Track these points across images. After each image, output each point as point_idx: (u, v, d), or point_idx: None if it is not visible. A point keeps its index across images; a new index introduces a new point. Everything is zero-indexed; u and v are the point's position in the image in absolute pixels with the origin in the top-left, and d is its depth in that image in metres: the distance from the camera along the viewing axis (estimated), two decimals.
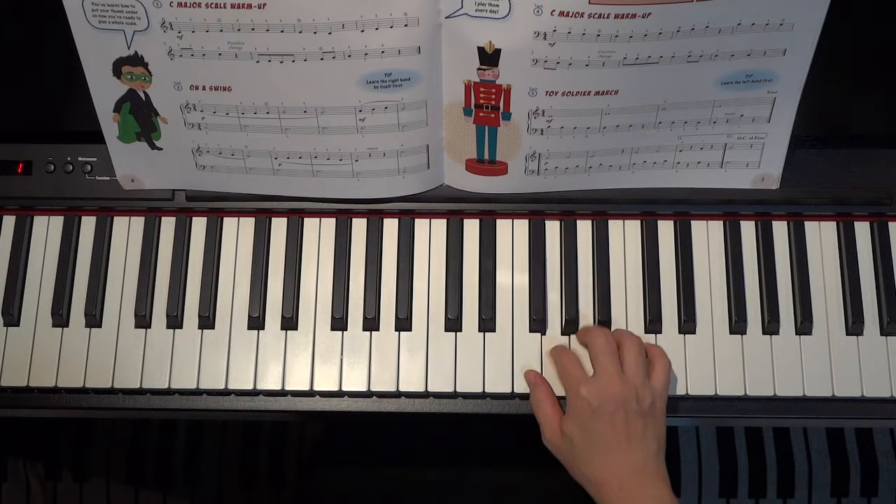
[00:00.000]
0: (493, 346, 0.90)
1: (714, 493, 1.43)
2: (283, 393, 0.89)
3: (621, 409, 0.80)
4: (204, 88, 0.84)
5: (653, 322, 0.90)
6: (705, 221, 0.94)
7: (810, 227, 0.93)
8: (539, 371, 0.88)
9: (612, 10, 0.76)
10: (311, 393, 0.89)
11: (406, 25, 0.79)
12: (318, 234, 0.93)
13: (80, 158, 0.93)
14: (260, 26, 0.79)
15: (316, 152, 0.88)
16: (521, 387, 0.88)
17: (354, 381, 0.89)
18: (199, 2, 0.78)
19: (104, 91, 0.85)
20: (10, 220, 0.94)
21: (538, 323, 0.90)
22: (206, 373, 0.89)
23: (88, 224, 0.93)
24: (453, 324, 0.90)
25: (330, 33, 0.79)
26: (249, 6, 0.78)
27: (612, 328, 0.90)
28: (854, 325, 0.90)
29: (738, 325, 0.90)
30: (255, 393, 0.89)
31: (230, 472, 1.43)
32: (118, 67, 0.83)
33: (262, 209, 0.93)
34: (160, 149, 0.89)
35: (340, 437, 1.09)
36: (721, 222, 0.93)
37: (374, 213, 0.93)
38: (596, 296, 0.91)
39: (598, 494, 0.80)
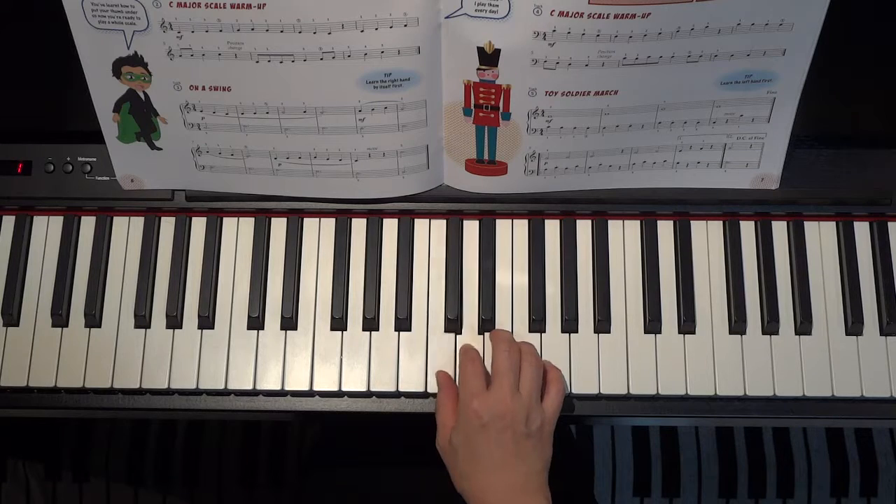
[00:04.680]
0: None
1: (714, 493, 1.43)
2: (282, 393, 0.89)
3: (509, 429, 0.79)
4: (203, 88, 0.84)
5: (652, 322, 0.90)
6: (705, 221, 0.94)
7: (810, 228, 0.93)
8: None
9: (612, 10, 0.76)
10: (310, 393, 0.89)
11: (406, 25, 0.79)
12: (318, 234, 0.93)
13: (79, 158, 0.93)
14: (260, 26, 0.79)
15: (316, 152, 0.88)
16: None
17: (354, 382, 0.89)
18: (198, 2, 0.78)
19: (104, 91, 0.85)
20: (9, 220, 0.94)
21: (538, 323, 0.90)
22: (206, 373, 0.89)
23: (88, 224, 0.93)
24: (453, 324, 0.90)
25: (330, 33, 0.79)
26: (249, 6, 0.78)
27: (612, 329, 0.90)
28: (854, 325, 0.90)
29: (737, 325, 0.90)
30: (254, 393, 0.89)
31: (230, 472, 1.43)
32: (118, 67, 0.83)
33: (261, 209, 0.93)
34: (160, 149, 0.89)
35: (340, 437, 1.09)
36: (721, 222, 0.93)
37: (374, 213, 0.93)
38: (596, 296, 0.91)
39: None
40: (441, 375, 0.87)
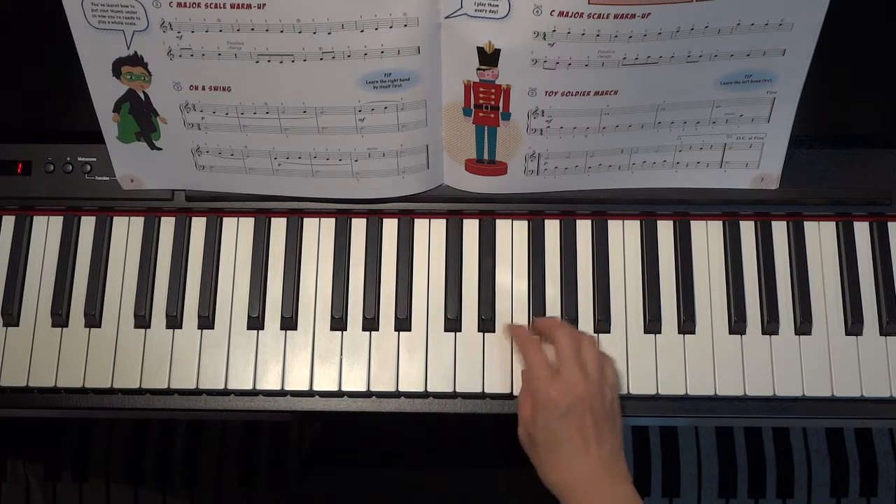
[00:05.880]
0: (493, 347, 0.90)
1: (713, 493, 1.43)
2: (282, 393, 0.89)
3: (588, 412, 0.79)
4: (203, 88, 0.84)
5: (652, 322, 0.90)
6: (705, 221, 0.94)
7: (809, 228, 0.93)
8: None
9: (612, 10, 0.76)
10: (310, 393, 0.89)
11: (406, 25, 0.79)
12: (318, 234, 0.93)
13: (79, 158, 0.93)
14: (259, 26, 0.79)
15: (315, 152, 0.88)
16: (520, 387, 0.88)
17: (354, 381, 0.89)
18: (198, 2, 0.78)
19: (104, 91, 0.85)
20: (9, 220, 0.94)
21: None
22: (206, 373, 0.89)
23: (88, 224, 0.93)
24: (453, 324, 0.90)
25: (329, 33, 0.79)
26: (249, 6, 0.78)
27: (611, 329, 0.90)
28: (853, 325, 0.90)
29: (737, 325, 0.90)
30: (254, 393, 0.89)
31: (230, 472, 1.43)
32: (118, 67, 0.83)
33: (261, 209, 0.93)
34: (160, 149, 0.89)
35: (340, 437, 1.09)
36: (720, 222, 0.93)
37: (374, 213, 0.93)
38: (595, 296, 0.91)
39: (565, 499, 0.79)
40: (525, 372, 0.87)
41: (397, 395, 0.89)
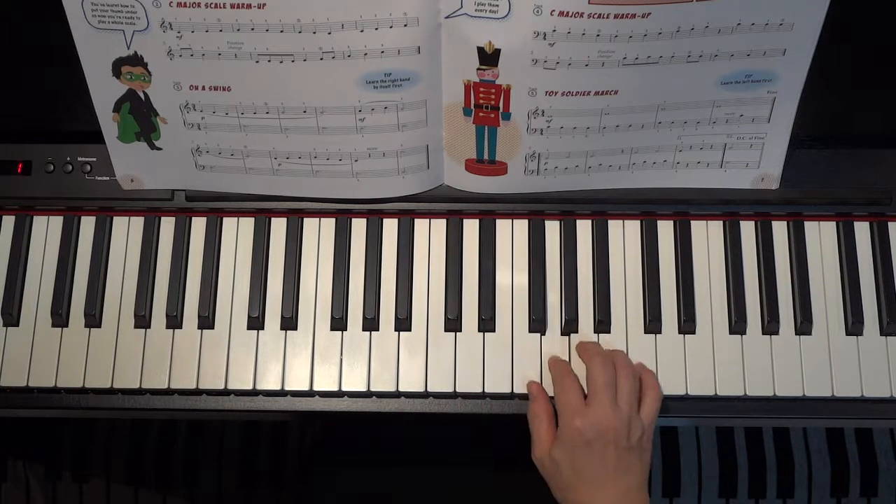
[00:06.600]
0: (493, 347, 0.90)
1: (714, 493, 1.43)
2: (282, 393, 0.89)
3: (612, 445, 0.80)
4: (203, 88, 0.84)
5: (652, 322, 0.90)
6: (705, 221, 0.94)
7: (810, 228, 0.93)
8: (539, 377, 0.88)
9: (612, 10, 0.76)
10: (310, 393, 0.89)
11: (406, 25, 0.79)
12: (318, 234, 0.93)
13: (79, 158, 0.93)
14: (259, 26, 0.79)
15: (315, 152, 0.88)
16: (521, 387, 0.88)
17: (354, 381, 0.89)
18: (198, 2, 0.78)
19: (104, 91, 0.85)
20: (9, 220, 0.94)
21: (538, 323, 0.90)
22: (206, 373, 0.89)
23: (88, 224, 0.93)
24: (453, 324, 0.90)
25: (329, 33, 0.79)
26: (249, 6, 0.78)
27: (612, 329, 0.90)
28: (854, 325, 0.90)
29: (737, 325, 0.90)
30: (254, 393, 0.89)
31: (230, 472, 1.43)
32: (118, 67, 0.83)
33: (261, 209, 0.93)
34: (160, 149, 0.89)
35: (340, 437, 1.10)
36: (721, 222, 0.93)
37: (374, 213, 0.93)
38: (596, 296, 0.91)
39: None
40: (533, 386, 0.87)
41: (397, 395, 0.89)
